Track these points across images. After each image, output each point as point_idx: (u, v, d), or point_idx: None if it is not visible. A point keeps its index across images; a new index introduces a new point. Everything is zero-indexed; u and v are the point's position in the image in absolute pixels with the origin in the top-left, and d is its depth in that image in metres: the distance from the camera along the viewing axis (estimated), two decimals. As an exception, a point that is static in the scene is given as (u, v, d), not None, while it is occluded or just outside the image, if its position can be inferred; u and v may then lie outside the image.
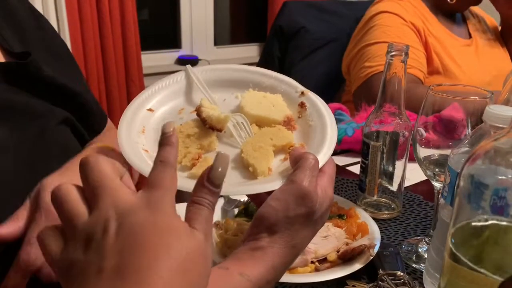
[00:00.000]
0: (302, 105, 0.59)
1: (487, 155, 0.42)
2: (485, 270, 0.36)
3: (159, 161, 0.38)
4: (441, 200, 0.61)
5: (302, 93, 0.60)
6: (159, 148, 0.39)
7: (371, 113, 0.80)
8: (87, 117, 0.69)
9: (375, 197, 0.82)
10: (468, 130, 0.64)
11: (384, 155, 0.80)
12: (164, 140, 0.39)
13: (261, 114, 0.57)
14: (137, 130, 0.55)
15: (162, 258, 0.32)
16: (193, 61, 2.51)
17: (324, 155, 0.51)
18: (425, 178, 0.95)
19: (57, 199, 0.36)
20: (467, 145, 0.57)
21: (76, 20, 2.04)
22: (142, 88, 2.27)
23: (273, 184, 0.47)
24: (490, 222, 0.40)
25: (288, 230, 0.45)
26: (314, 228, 0.48)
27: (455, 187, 0.43)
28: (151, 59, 2.44)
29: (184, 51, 2.59)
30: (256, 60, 2.14)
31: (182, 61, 2.52)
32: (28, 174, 0.54)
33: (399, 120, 0.77)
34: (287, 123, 0.58)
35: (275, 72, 0.63)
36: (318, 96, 0.60)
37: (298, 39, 1.77)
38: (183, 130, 0.55)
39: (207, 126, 0.55)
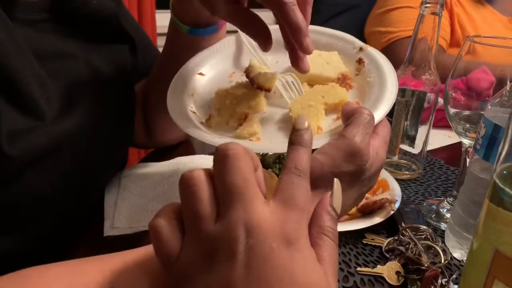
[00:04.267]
0: (360, 61, 0.55)
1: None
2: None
3: (294, 168, 0.33)
4: (472, 157, 0.58)
5: (361, 48, 0.56)
6: (289, 148, 0.34)
7: (399, 69, 0.76)
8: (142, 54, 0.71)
9: (396, 157, 0.80)
10: (507, 85, 0.60)
11: (409, 115, 0.76)
12: (297, 138, 0.34)
13: (313, 72, 0.53)
14: (188, 93, 0.55)
15: None
16: (207, 23, 2.46)
17: (381, 111, 0.46)
18: (446, 144, 0.93)
19: (187, 189, 0.31)
20: (505, 98, 0.54)
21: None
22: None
23: (320, 141, 0.42)
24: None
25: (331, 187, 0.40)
26: (360, 189, 0.43)
27: (506, 129, 0.40)
28: (165, 18, 2.39)
29: (198, 13, 2.53)
30: (272, 25, 2.09)
31: (196, 23, 2.47)
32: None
33: (428, 76, 0.74)
34: (342, 81, 0.54)
35: (331, 29, 0.60)
36: (378, 51, 0.56)
37: (318, 4, 1.71)
38: (231, 91, 0.54)
39: (255, 86, 0.53)
